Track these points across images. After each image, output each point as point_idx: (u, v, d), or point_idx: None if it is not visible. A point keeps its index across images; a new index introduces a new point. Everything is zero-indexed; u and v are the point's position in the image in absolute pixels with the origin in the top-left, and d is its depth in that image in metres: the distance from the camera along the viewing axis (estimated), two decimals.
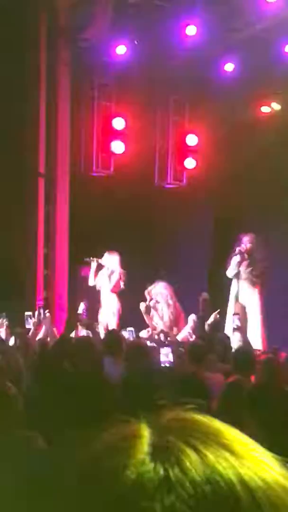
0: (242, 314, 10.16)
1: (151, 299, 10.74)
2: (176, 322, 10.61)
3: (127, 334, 8.66)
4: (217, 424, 0.60)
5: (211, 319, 9.34)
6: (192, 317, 10.16)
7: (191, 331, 9.58)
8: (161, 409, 0.64)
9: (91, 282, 11.05)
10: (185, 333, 9.91)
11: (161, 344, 7.54)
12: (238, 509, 0.52)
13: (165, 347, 5.74)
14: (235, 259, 10.24)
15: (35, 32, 11.47)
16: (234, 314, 10.12)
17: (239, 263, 10.17)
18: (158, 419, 0.61)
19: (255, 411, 3.54)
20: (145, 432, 0.58)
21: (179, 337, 9.75)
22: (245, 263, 10.18)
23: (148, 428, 0.59)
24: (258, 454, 0.58)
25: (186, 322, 10.41)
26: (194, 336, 8.59)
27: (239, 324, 9.84)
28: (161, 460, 0.55)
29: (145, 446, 0.56)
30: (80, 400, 2.54)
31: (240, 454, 0.56)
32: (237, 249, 10.29)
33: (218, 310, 10.09)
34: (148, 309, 10.74)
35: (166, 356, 5.59)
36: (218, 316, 9.76)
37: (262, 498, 0.53)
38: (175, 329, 10.24)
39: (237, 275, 10.24)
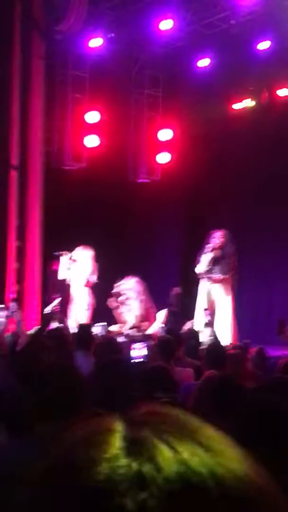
0: (212, 309, 10.22)
1: (121, 295, 10.72)
2: (147, 317, 10.62)
3: (99, 329, 8.65)
4: (192, 420, 0.60)
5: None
6: (163, 312, 10.19)
7: (162, 326, 9.60)
8: (133, 403, 0.63)
9: (60, 276, 11.00)
10: (155, 327, 9.93)
11: (134, 339, 7.56)
12: (210, 506, 0.52)
13: (138, 343, 5.72)
14: (207, 255, 10.28)
15: (9, 24, 11.36)
16: (205, 309, 10.17)
17: (212, 259, 10.21)
18: (132, 413, 0.60)
19: (216, 405, 3.56)
20: (119, 426, 0.57)
21: (150, 332, 9.78)
22: (216, 258, 10.24)
23: (122, 422, 0.58)
24: (232, 450, 0.58)
25: (155, 318, 10.43)
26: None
27: (210, 319, 9.89)
28: (134, 456, 0.54)
29: (118, 441, 0.55)
30: (53, 392, 2.52)
31: (214, 450, 0.56)
32: (210, 245, 10.33)
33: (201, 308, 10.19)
34: (117, 304, 10.73)
35: (139, 351, 5.59)
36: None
37: (234, 494, 0.53)
38: (146, 324, 10.25)
39: (209, 271, 10.28)
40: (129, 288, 10.70)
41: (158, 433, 0.56)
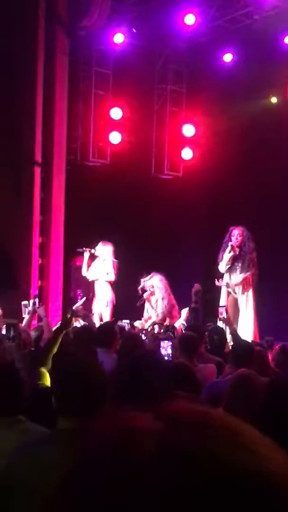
0: (234, 307, 10.14)
1: (145, 291, 10.70)
2: (170, 314, 10.60)
3: (122, 325, 8.66)
4: (233, 421, 0.57)
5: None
6: (185, 309, 10.17)
7: (184, 323, 9.58)
8: (163, 400, 0.61)
9: (83, 273, 11.02)
10: (178, 324, 9.90)
11: (158, 336, 7.55)
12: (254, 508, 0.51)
13: (165, 340, 5.71)
14: (227, 253, 10.22)
15: (33, 21, 11.40)
16: (221, 306, 10.14)
17: (231, 257, 10.15)
18: (166, 411, 0.58)
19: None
20: (154, 425, 0.56)
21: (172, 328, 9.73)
22: (236, 257, 10.18)
23: (160, 420, 0.56)
24: (274, 452, 0.56)
25: (179, 315, 10.41)
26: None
27: (225, 316, 9.88)
28: (169, 461, 0.52)
29: (151, 443, 0.54)
30: (77, 388, 2.53)
31: (258, 453, 0.54)
32: (229, 244, 10.27)
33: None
34: (143, 300, 10.72)
35: (165, 349, 5.58)
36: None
37: (278, 495, 0.52)
38: (169, 321, 10.22)
39: (229, 269, 10.23)
40: (153, 285, 10.67)
41: (198, 435, 0.54)
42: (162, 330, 8.73)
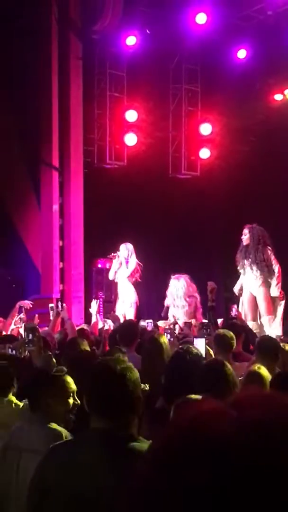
0: (253, 305, 10.05)
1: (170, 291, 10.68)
2: (195, 314, 10.56)
3: (146, 325, 8.65)
4: None
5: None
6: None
7: (205, 321, 9.55)
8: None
9: (111, 276, 10.97)
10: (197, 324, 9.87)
11: (179, 336, 7.53)
12: None
13: (199, 339, 5.69)
14: (240, 253, 10.18)
15: (47, 25, 11.47)
16: (232, 304, 10.10)
17: (243, 256, 10.12)
18: (236, 399, 0.63)
19: None
20: (228, 409, 0.61)
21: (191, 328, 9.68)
22: (246, 255, 10.14)
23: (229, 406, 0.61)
24: None
25: (203, 316, 10.39)
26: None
27: (236, 313, 9.84)
28: (248, 438, 0.57)
29: (229, 423, 0.59)
30: (104, 390, 2.54)
31: None
32: (241, 244, 10.23)
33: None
34: (168, 301, 10.69)
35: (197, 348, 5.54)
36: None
37: None
38: (193, 321, 10.18)
39: (243, 269, 10.18)
40: (178, 286, 10.64)
41: (271, 415, 0.58)
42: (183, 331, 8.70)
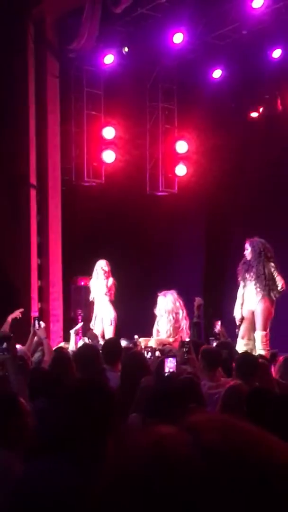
0: (250, 320, 9.89)
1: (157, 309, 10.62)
2: (178, 331, 10.48)
3: (125, 343, 8.64)
4: (244, 423, 0.64)
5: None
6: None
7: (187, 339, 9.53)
8: (182, 414, 0.65)
9: (91, 297, 10.94)
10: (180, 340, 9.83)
11: (162, 352, 7.53)
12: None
13: (170, 358, 5.68)
14: (243, 265, 10.06)
15: (23, 44, 11.51)
16: (216, 320, 10.01)
17: (245, 269, 10.00)
18: (189, 422, 0.63)
19: (251, 415, 3.58)
20: (182, 433, 0.61)
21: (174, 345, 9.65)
22: (249, 268, 10.04)
23: (182, 429, 0.62)
24: None
25: (186, 332, 10.36)
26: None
27: (219, 329, 9.75)
28: (206, 460, 0.58)
29: (185, 447, 0.60)
30: (84, 410, 2.52)
31: (273, 445, 0.62)
32: (244, 257, 10.11)
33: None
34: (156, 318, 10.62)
35: (169, 367, 5.53)
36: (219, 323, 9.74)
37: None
38: (175, 338, 10.11)
39: (244, 282, 10.02)
40: (166, 301, 10.56)
41: (224, 437, 0.59)
42: (165, 347, 8.69)
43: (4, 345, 5.77)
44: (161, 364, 5.56)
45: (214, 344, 7.78)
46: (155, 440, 0.61)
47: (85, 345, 7.89)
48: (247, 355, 6.01)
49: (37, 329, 8.04)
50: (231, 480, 0.57)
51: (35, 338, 8.03)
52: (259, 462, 0.59)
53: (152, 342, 9.87)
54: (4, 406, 3.32)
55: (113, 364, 5.94)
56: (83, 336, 9.35)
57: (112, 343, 6.82)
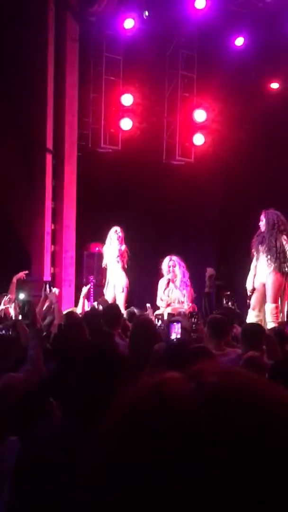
0: (262, 292, 9.83)
1: (162, 275, 10.58)
2: (187, 298, 10.50)
3: (137, 311, 8.67)
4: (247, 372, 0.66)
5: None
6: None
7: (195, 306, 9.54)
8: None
9: (104, 263, 10.93)
10: (186, 307, 9.84)
11: (170, 319, 7.55)
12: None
13: (174, 323, 5.69)
14: (257, 237, 9.95)
15: (43, 7, 11.36)
16: (225, 291, 9.95)
17: (259, 241, 9.89)
18: (194, 370, 0.65)
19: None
20: (185, 378, 0.64)
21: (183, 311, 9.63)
22: (262, 240, 9.92)
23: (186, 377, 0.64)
24: None
25: (192, 298, 10.37)
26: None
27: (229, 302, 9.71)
28: (208, 402, 0.60)
29: (187, 390, 0.62)
30: (92, 374, 2.51)
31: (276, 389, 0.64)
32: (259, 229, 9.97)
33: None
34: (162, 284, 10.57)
35: (176, 333, 5.55)
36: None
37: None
38: (183, 304, 10.14)
39: (257, 254, 9.92)
40: (168, 268, 10.51)
41: (229, 381, 0.62)
42: (175, 313, 8.71)
43: (26, 309, 5.83)
44: (167, 330, 5.58)
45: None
46: (158, 381, 0.63)
47: (93, 309, 7.92)
48: (253, 326, 5.99)
49: (48, 293, 8.09)
50: (229, 421, 0.58)
51: (46, 302, 8.08)
52: (260, 406, 0.60)
53: (168, 310, 9.83)
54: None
55: (113, 328, 5.98)
56: (94, 301, 9.40)
57: (112, 308, 6.84)
